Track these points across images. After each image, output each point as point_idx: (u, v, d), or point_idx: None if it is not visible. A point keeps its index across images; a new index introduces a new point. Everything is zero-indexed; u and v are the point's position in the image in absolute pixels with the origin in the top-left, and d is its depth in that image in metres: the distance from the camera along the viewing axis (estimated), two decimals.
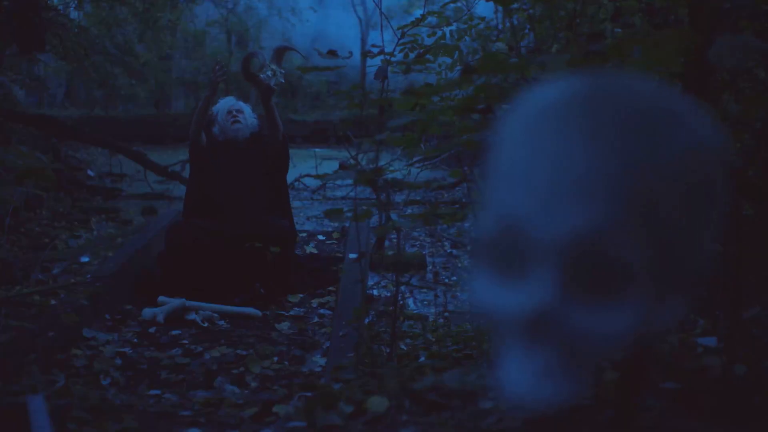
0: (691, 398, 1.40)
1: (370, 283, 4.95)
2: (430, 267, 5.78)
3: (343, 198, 9.05)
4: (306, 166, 9.95)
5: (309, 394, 2.61)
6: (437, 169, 10.01)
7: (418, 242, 6.66)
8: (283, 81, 4.94)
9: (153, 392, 3.12)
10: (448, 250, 6.39)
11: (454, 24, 4.61)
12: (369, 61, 3.04)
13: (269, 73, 4.88)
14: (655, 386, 1.60)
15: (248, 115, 5.10)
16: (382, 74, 2.98)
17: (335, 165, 10.15)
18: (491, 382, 1.74)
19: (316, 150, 12.18)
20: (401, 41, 3.22)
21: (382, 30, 3.04)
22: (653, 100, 0.68)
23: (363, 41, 17.56)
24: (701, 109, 0.71)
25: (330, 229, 6.82)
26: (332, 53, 2.66)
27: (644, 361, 0.62)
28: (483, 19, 4.12)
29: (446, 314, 4.62)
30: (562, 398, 0.57)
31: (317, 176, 2.83)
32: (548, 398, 0.57)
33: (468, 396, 1.85)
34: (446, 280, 5.55)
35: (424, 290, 5.23)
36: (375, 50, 2.75)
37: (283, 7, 17.69)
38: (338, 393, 2.21)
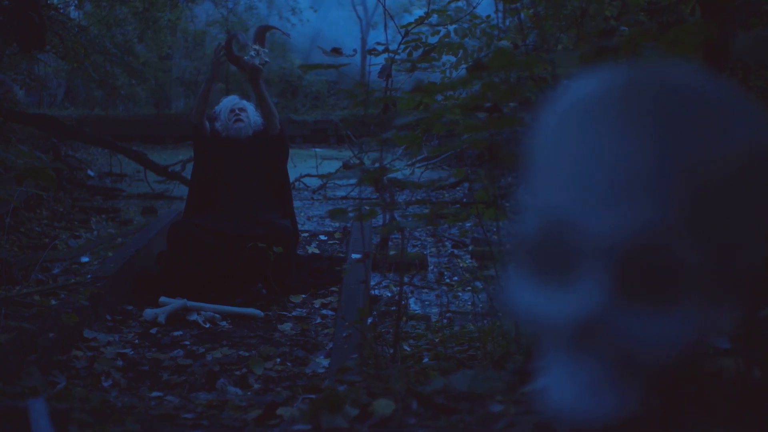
0: (707, 401, 1.37)
1: (372, 283, 4.92)
2: (431, 267, 5.74)
3: (344, 198, 9.02)
4: (306, 165, 9.93)
5: (313, 396, 2.58)
6: (437, 168, 9.98)
7: (419, 242, 6.62)
8: (268, 60, 4.91)
9: (155, 394, 3.09)
10: (450, 250, 6.35)
11: (457, 23, 4.59)
12: (370, 60, 3.00)
13: (252, 53, 4.86)
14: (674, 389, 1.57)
15: (251, 114, 5.07)
16: (386, 72, 2.94)
17: (336, 164, 10.12)
18: (502, 385, 1.70)
19: (317, 150, 12.16)
20: (405, 39, 3.19)
21: (386, 27, 3.01)
22: (703, 90, 0.64)
23: (363, 40, 17.53)
24: (752, 100, 0.67)
25: (330, 229, 6.78)
26: (336, 51, 2.63)
27: (692, 370, 0.58)
28: (488, 17, 4.08)
29: (449, 314, 4.58)
30: (611, 410, 0.54)
31: (321, 176, 2.80)
32: (597, 411, 0.54)
33: (477, 399, 1.82)
34: (447, 280, 5.51)
35: (426, 290, 5.20)
36: (380, 48, 2.72)
37: (284, 7, 17.65)
38: (343, 395, 2.18)
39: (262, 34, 5.03)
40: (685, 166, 0.57)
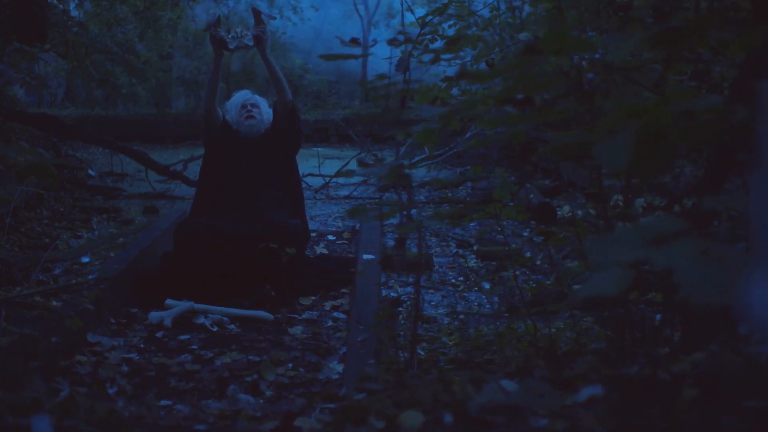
0: None
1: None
2: (436, 267, 5.60)
3: (346, 197, 8.87)
4: (308, 165, 9.79)
5: (331, 405, 2.45)
6: (437, 168, 9.83)
7: (423, 241, 6.48)
8: (250, 44, 4.96)
9: (163, 402, 2.95)
10: (454, 250, 6.21)
11: (457, 19, 4.48)
12: (391, 52, 2.88)
13: (232, 35, 5.00)
14: (733, 404, 1.44)
15: (264, 110, 4.93)
16: (404, 65, 2.82)
17: (337, 164, 10.00)
18: (554, 401, 1.57)
19: (318, 149, 12.01)
20: (423, 31, 3.06)
21: (403, 17, 2.89)
22: None
23: (364, 39, 17.41)
24: None
25: (335, 229, 6.65)
26: (355, 41, 2.50)
27: None
28: (508, 8, 3.95)
29: (461, 317, 4.46)
30: None
31: (339, 174, 2.67)
32: None
33: (515, 411, 1.68)
34: (453, 281, 5.38)
35: (431, 291, 5.07)
36: (401, 38, 2.59)
37: (285, 6, 17.52)
38: (367, 406, 2.05)
39: (257, 14, 5.20)
40: None
